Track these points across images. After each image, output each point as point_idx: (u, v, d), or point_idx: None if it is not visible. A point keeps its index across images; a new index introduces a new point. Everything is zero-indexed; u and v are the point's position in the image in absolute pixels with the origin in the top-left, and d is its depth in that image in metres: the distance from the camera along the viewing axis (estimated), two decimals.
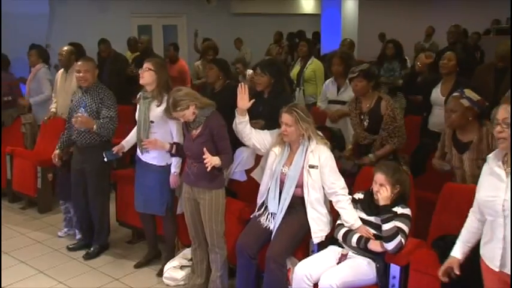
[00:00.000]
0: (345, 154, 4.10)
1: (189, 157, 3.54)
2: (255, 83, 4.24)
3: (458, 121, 3.31)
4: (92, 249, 4.39)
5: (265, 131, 3.63)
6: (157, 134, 3.77)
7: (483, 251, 2.40)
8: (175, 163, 3.78)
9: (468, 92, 3.30)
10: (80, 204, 4.41)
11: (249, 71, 6.43)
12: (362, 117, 4.00)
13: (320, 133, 3.44)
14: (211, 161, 3.27)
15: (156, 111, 3.76)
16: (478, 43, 8.46)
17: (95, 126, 4.02)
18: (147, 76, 3.76)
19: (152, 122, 3.77)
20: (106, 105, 4.12)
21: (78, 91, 4.27)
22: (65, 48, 5.58)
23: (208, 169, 3.26)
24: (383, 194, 3.04)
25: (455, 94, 3.34)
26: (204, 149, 3.29)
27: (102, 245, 4.44)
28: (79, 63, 4.18)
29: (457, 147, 3.41)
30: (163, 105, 3.72)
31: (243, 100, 3.45)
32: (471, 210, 2.55)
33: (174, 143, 3.69)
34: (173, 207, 3.97)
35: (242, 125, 3.50)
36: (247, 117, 3.50)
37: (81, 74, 4.11)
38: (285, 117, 3.30)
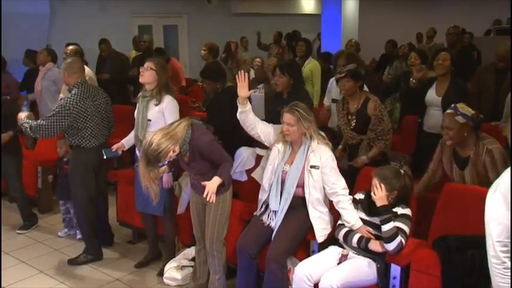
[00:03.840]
0: (335, 154, 4.10)
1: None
2: (274, 83, 4.28)
3: (456, 138, 3.29)
4: (81, 255, 4.25)
5: (271, 124, 3.60)
6: None
7: None
8: None
9: (461, 108, 3.28)
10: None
11: (257, 59, 6.39)
12: (349, 117, 4.04)
13: (322, 133, 3.43)
14: (212, 189, 3.09)
15: (154, 110, 3.77)
16: (472, 43, 8.43)
17: (25, 125, 3.85)
18: (147, 75, 3.76)
19: (150, 120, 3.77)
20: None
21: None
22: (70, 47, 5.58)
23: (214, 200, 3.13)
24: (378, 194, 3.04)
25: (449, 111, 3.32)
26: (202, 183, 3.18)
27: (92, 254, 4.26)
28: None
29: (457, 163, 3.41)
30: (162, 104, 3.74)
31: (243, 88, 3.39)
32: (499, 250, 1.91)
33: (169, 161, 3.51)
34: (172, 207, 3.97)
35: (244, 114, 3.47)
36: (248, 106, 3.45)
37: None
38: (287, 117, 3.29)
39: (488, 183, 3.24)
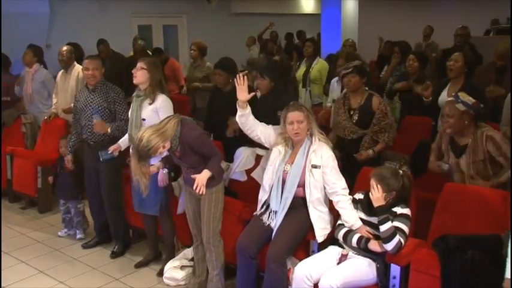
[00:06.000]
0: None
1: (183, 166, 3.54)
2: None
3: (456, 126, 3.31)
4: (115, 248, 4.40)
5: (271, 126, 3.60)
6: None
7: None
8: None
9: (463, 96, 3.31)
10: (94, 202, 4.43)
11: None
12: (351, 112, 4.04)
13: (322, 133, 3.44)
14: (202, 182, 3.22)
15: (148, 109, 3.79)
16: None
17: (109, 130, 4.04)
18: (139, 75, 3.79)
19: (144, 119, 3.78)
20: (120, 106, 4.15)
21: (84, 90, 4.26)
22: (65, 48, 5.57)
23: (204, 192, 3.24)
24: (375, 195, 3.05)
25: (450, 99, 3.36)
26: (192, 176, 3.28)
27: (124, 242, 4.44)
28: (87, 61, 4.18)
29: (454, 151, 3.41)
30: (155, 104, 3.77)
31: (242, 92, 3.40)
32: None
33: (163, 158, 3.59)
34: (169, 207, 3.97)
35: (244, 117, 3.47)
36: (248, 109, 3.46)
37: (90, 72, 4.13)
38: (296, 115, 3.28)
39: (484, 172, 3.27)
